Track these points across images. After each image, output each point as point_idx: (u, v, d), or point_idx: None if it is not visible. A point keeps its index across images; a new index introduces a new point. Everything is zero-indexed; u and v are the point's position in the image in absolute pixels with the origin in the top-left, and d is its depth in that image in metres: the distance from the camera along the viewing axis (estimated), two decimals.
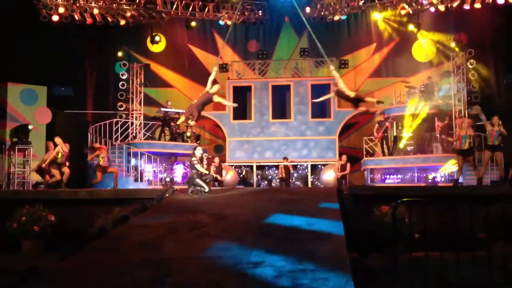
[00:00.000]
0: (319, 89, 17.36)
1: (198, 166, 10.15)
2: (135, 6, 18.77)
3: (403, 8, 18.79)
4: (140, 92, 18.65)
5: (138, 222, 7.72)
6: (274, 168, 18.50)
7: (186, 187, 10.60)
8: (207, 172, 10.60)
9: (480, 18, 18.37)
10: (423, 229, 6.50)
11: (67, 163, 12.84)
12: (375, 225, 8.65)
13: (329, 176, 16.79)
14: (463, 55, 17.45)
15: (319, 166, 18.30)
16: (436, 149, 16.41)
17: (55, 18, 17.66)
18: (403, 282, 5.90)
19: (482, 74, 17.90)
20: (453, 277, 5.89)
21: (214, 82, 11.11)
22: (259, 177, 18.77)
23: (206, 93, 10.90)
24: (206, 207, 8.45)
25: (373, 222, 8.74)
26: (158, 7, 19.08)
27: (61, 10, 17.63)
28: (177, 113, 17.22)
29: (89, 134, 17.29)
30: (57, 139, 12.91)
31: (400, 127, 17.76)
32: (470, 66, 17.42)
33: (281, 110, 18.92)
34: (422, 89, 17.33)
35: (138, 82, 18.61)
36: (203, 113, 13.43)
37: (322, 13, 19.86)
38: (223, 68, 18.84)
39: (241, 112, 18.48)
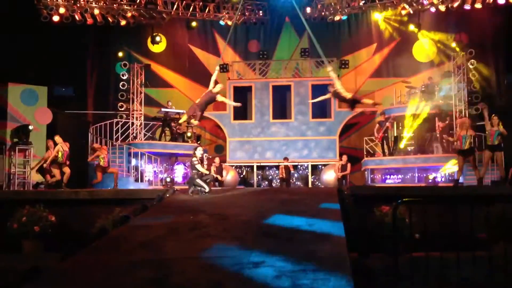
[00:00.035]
0: (320, 89, 17.22)
1: (198, 167, 10.15)
2: (135, 7, 18.78)
3: (403, 8, 18.80)
4: (141, 93, 18.65)
5: (139, 222, 7.72)
6: (275, 168, 18.51)
7: (187, 187, 10.60)
8: (207, 172, 10.61)
9: (480, 18, 18.36)
10: (424, 229, 6.51)
11: (67, 162, 12.84)
12: (375, 225, 8.64)
13: (329, 176, 16.80)
14: (463, 55, 17.45)
15: (320, 166, 18.30)
16: (437, 149, 16.41)
17: (55, 18, 17.67)
18: (404, 282, 5.90)
19: (482, 74, 17.91)
20: (454, 277, 5.89)
21: (216, 82, 11.12)
22: (259, 177, 18.78)
23: (209, 93, 10.89)
24: (206, 207, 8.45)
25: (374, 222, 8.74)
26: (158, 8, 19.09)
27: (62, 10, 17.64)
28: (178, 113, 17.22)
29: (89, 134, 17.29)
30: (57, 138, 12.91)
31: (400, 127, 17.77)
32: (471, 66, 17.42)
33: (281, 110, 18.94)
34: (423, 89, 17.33)
35: (139, 83, 18.62)
36: (204, 114, 13.42)
37: (323, 13, 19.88)
38: (224, 68, 18.84)
39: (242, 112, 18.50)
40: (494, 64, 18.63)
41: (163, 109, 17.74)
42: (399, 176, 17.07)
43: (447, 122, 16.41)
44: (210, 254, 5.87)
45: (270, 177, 18.85)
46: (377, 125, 16.59)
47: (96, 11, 18.17)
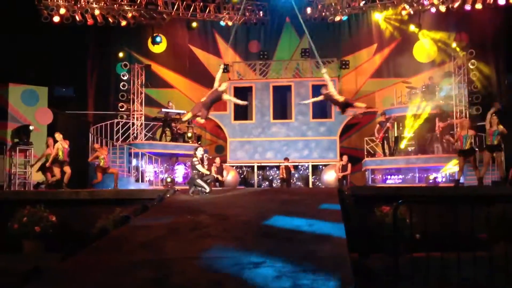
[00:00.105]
0: (320, 90, 17.33)
1: (199, 167, 10.15)
2: (136, 7, 18.79)
3: (404, 8, 18.79)
4: (141, 93, 18.65)
5: (139, 223, 7.72)
6: (275, 169, 18.51)
7: (187, 187, 10.60)
8: (208, 172, 10.60)
9: (481, 18, 18.34)
10: (424, 229, 6.51)
11: (68, 160, 12.84)
12: (376, 226, 8.65)
13: (330, 176, 16.79)
14: (464, 55, 17.44)
15: (320, 166, 18.29)
16: (437, 150, 16.41)
17: (56, 19, 17.65)
18: (404, 282, 5.89)
19: (483, 74, 17.90)
20: (454, 277, 5.89)
21: (220, 80, 11.09)
22: (260, 177, 18.78)
23: (215, 91, 10.84)
24: (207, 208, 8.45)
25: (374, 222, 8.74)
26: (159, 8, 19.10)
27: (62, 11, 17.63)
28: (178, 113, 17.22)
29: (90, 134, 17.29)
30: (57, 135, 12.90)
31: (401, 128, 17.76)
32: (472, 67, 17.41)
33: (282, 110, 18.94)
34: (423, 89, 17.33)
35: (139, 83, 18.62)
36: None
37: (323, 13, 19.86)
38: (224, 68, 18.82)
39: (242, 113, 18.51)
40: (495, 64, 18.61)
41: (163, 110, 17.72)
42: (400, 176, 17.07)
43: (447, 122, 16.40)
44: (211, 255, 5.87)
45: (271, 177, 18.85)
46: (378, 125, 16.59)
47: (97, 12, 18.17)
